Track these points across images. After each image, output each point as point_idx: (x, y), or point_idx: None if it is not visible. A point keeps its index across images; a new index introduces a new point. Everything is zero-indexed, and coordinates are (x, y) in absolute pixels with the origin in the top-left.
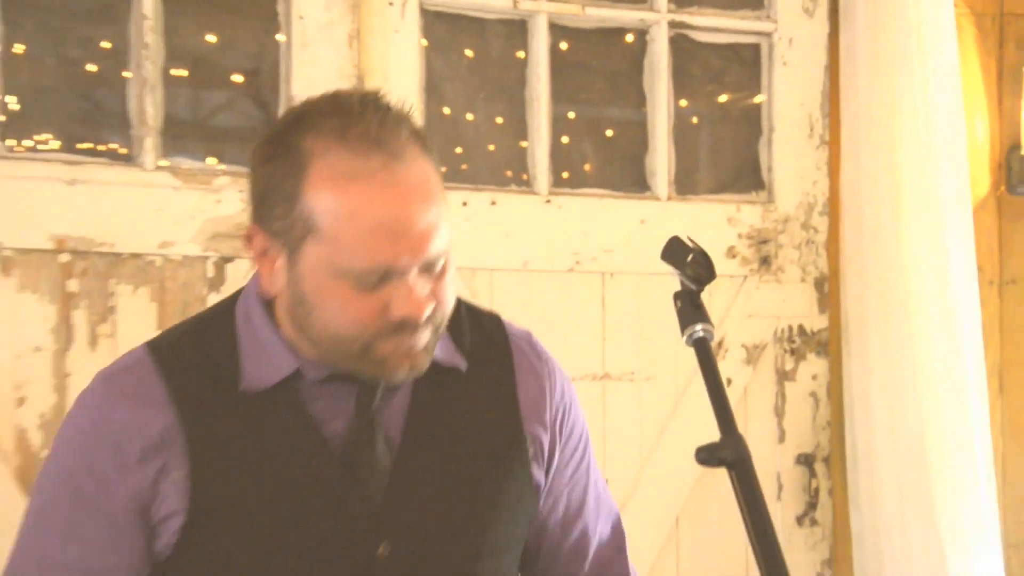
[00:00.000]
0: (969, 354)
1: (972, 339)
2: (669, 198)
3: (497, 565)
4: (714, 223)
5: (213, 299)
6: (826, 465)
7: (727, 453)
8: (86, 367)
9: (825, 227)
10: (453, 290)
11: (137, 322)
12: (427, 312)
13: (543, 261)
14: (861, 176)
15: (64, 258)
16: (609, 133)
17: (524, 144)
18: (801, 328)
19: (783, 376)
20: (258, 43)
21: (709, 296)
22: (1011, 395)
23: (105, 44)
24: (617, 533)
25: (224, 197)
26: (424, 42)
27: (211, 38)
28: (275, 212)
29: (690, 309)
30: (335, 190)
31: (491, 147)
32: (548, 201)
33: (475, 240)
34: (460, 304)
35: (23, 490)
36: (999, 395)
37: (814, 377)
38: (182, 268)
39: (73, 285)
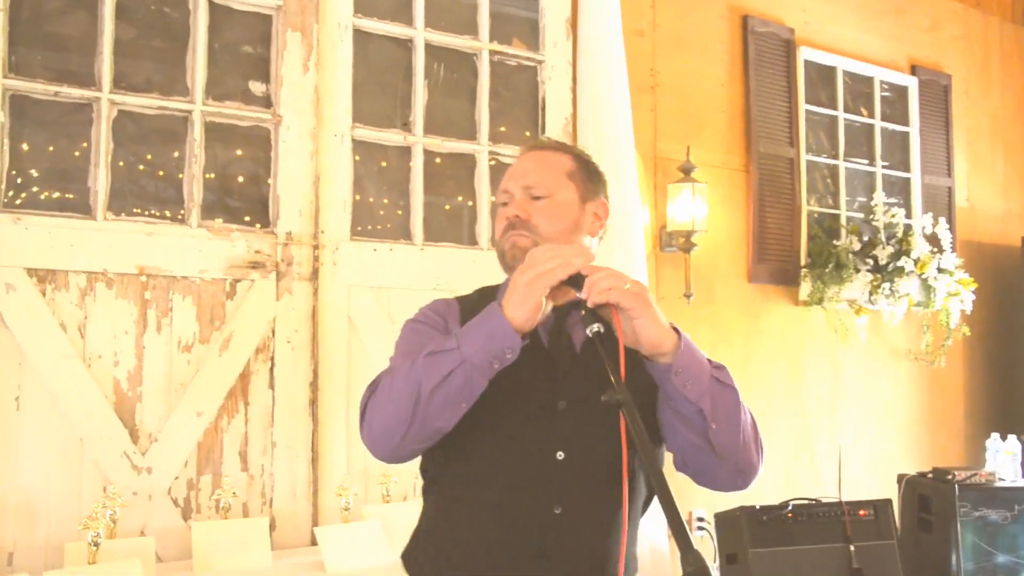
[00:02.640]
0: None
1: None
2: (489, 248)
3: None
4: None
5: (228, 305)
6: None
7: (620, 397)
8: (154, 343)
9: None
10: (550, 217)
11: (184, 317)
12: (516, 214)
13: (418, 284)
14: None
15: (143, 279)
16: (452, 210)
17: (408, 216)
18: None
19: None
20: (258, 156)
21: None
22: None
23: (172, 155)
24: None
25: (236, 244)
26: (354, 157)
27: (231, 153)
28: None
29: (589, 315)
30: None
31: (390, 218)
32: (422, 249)
33: (383, 271)
34: None
35: (119, 418)
36: None
37: None
38: (211, 285)
39: (148, 295)
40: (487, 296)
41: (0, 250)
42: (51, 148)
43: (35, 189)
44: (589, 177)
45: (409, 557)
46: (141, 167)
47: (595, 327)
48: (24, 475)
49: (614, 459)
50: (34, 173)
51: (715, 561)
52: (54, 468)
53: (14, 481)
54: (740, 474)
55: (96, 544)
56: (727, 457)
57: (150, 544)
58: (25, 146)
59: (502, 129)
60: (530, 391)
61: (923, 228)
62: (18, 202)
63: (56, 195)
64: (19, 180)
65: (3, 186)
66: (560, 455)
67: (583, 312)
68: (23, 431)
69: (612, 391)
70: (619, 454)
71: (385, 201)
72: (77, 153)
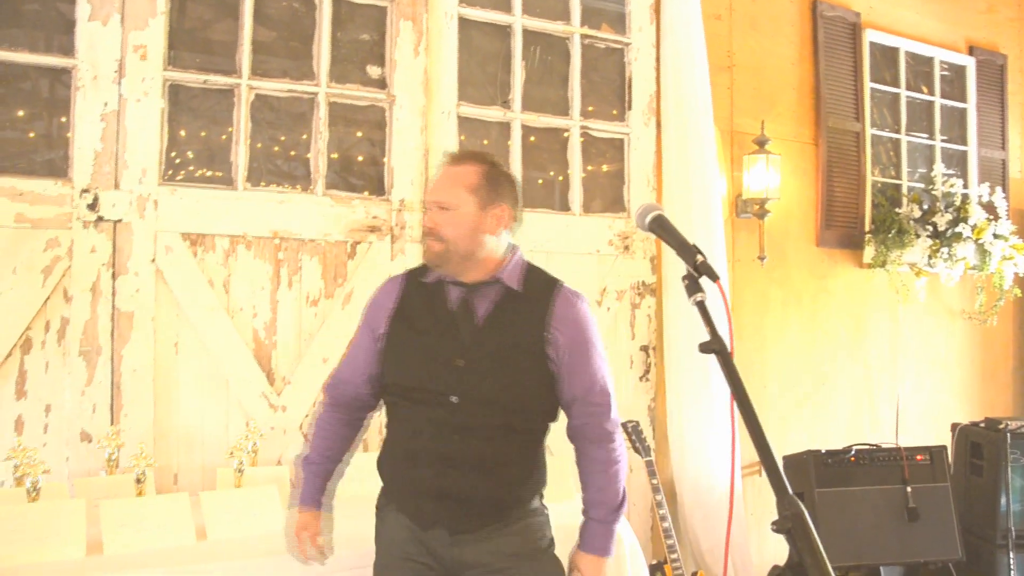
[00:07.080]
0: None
1: (724, 286)
2: (580, 214)
3: (520, 384)
4: (601, 227)
5: (350, 264)
6: (654, 352)
7: (715, 346)
8: (286, 298)
9: None
10: (453, 225)
11: (311, 275)
12: (429, 225)
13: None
14: (672, 206)
15: (276, 241)
16: (547, 182)
17: None
18: (643, 282)
19: (634, 306)
20: (375, 134)
21: (598, 265)
22: (735, 316)
23: (301, 133)
24: (600, 401)
25: (356, 210)
26: (460, 136)
27: (351, 129)
28: None
29: (693, 285)
30: None
31: None
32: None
33: None
34: (532, 267)
35: (257, 363)
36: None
37: (649, 307)
38: (334, 247)
39: (280, 255)
40: (421, 269)
41: (161, 217)
42: (200, 131)
43: (188, 166)
44: (492, 186)
45: (378, 462)
46: (274, 145)
47: (698, 296)
48: (183, 409)
49: (497, 402)
50: (187, 152)
51: None
52: (207, 404)
53: (176, 413)
54: None
55: (240, 471)
56: None
57: (285, 472)
58: (180, 129)
59: (591, 108)
60: (436, 349)
61: (979, 197)
62: (172, 176)
63: (200, 171)
64: (175, 158)
65: (163, 163)
66: (454, 399)
67: (686, 281)
68: (181, 372)
69: (709, 342)
70: (502, 399)
71: None
72: (223, 136)
